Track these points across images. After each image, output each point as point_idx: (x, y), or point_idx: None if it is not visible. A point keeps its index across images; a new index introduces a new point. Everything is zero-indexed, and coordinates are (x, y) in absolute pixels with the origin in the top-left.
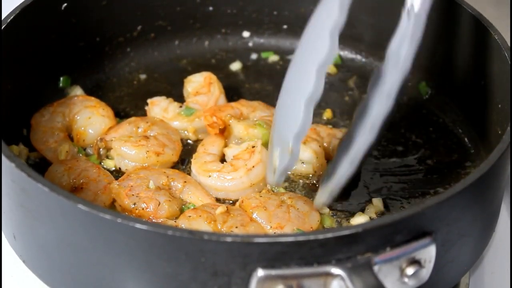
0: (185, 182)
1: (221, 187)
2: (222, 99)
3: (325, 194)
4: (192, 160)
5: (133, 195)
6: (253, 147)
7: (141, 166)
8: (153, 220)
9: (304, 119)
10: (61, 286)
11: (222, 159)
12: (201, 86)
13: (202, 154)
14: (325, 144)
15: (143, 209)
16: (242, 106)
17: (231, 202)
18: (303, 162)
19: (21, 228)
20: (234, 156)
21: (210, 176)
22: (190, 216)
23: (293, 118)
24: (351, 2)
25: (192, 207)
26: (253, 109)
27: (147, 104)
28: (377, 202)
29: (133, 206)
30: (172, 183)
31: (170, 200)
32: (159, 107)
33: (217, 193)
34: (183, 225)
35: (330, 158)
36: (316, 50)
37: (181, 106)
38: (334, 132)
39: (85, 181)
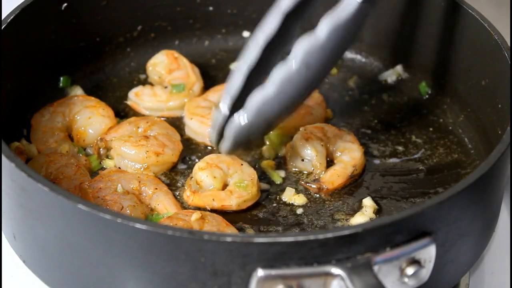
0: (156, 189)
1: (198, 131)
2: (195, 67)
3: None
4: (188, 102)
5: (98, 197)
6: None
7: (116, 169)
8: None
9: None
10: (61, 286)
11: None
12: (169, 63)
13: (200, 99)
14: (328, 145)
15: None
16: None
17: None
18: (303, 159)
19: (21, 228)
20: None
21: (192, 119)
22: None
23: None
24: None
25: (157, 215)
26: None
27: (127, 99)
28: (369, 202)
29: None
30: (142, 188)
31: (135, 205)
32: (146, 95)
33: (196, 136)
34: None
35: (332, 159)
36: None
37: (166, 87)
38: (341, 134)
39: (60, 177)
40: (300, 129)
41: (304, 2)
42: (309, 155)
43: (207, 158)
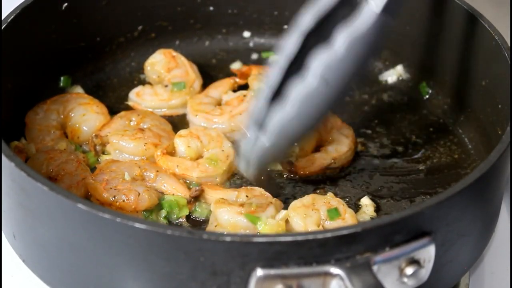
0: (157, 171)
1: (204, 126)
2: (193, 65)
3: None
4: (190, 99)
5: (111, 188)
6: (244, 95)
7: (111, 160)
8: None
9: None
10: (61, 285)
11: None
12: (167, 62)
13: (202, 96)
14: (324, 133)
15: (123, 201)
16: None
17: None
18: None
19: (21, 228)
20: (226, 101)
21: (197, 116)
22: None
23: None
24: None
25: (169, 197)
26: None
27: (127, 99)
28: (367, 201)
29: (113, 199)
30: (145, 174)
31: (148, 189)
32: (148, 94)
33: None
34: None
35: (320, 144)
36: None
37: (166, 86)
38: (341, 126)
39: (61, 173)
40: None
41: (324, 20)
42: None
43: (193, 128)
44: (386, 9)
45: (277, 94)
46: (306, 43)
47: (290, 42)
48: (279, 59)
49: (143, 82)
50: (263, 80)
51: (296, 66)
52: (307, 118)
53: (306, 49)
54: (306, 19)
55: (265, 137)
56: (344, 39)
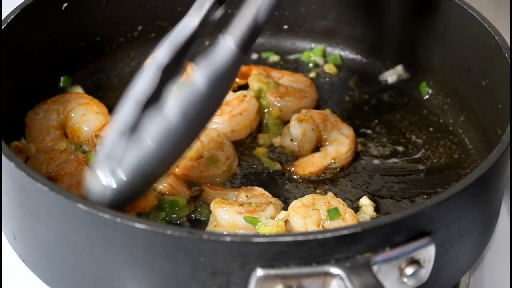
0: None
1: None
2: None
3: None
4: None
5: None
6: (244, 96)
7: None
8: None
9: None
10: (61, 285)
11: None
12: None
13: None
14: (323, 132)
15: None
16: (283, 75)
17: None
18: (292, 139)
19: (21, 228)
20: (226, 101)
21: None
22: None
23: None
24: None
25: (169, 197)
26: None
27: None
28: (366, 201)
29: None
30: None
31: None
32: None
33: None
34: None
35: (321, 144)
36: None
37: None
38: (341, 126)
39: (61, 173)
40: (302, 110)
41: (180, 54)
42: (297, 136)
43: None
44: (241, 46)
45: (133, 129)
46: (163, 77)
47: (146, 77)
48: (135, 93)
49: None
50: (117, 115)
51: (153, 100)
52: (166, 155)
53: (163, 83)
54: (162, 53)
55: (120, 176)
56: (204, 74)
